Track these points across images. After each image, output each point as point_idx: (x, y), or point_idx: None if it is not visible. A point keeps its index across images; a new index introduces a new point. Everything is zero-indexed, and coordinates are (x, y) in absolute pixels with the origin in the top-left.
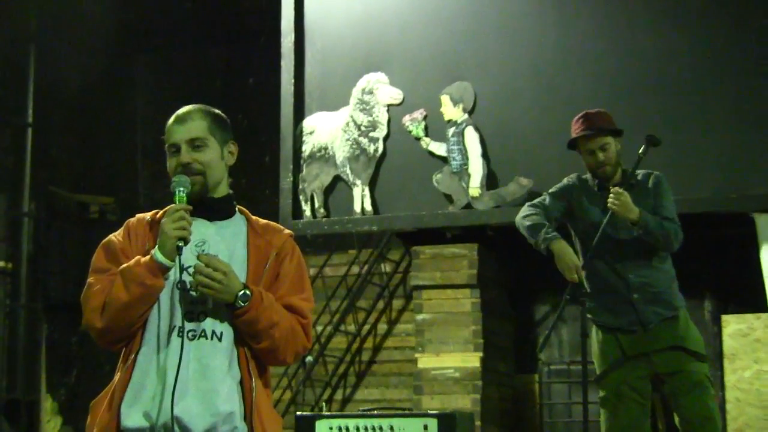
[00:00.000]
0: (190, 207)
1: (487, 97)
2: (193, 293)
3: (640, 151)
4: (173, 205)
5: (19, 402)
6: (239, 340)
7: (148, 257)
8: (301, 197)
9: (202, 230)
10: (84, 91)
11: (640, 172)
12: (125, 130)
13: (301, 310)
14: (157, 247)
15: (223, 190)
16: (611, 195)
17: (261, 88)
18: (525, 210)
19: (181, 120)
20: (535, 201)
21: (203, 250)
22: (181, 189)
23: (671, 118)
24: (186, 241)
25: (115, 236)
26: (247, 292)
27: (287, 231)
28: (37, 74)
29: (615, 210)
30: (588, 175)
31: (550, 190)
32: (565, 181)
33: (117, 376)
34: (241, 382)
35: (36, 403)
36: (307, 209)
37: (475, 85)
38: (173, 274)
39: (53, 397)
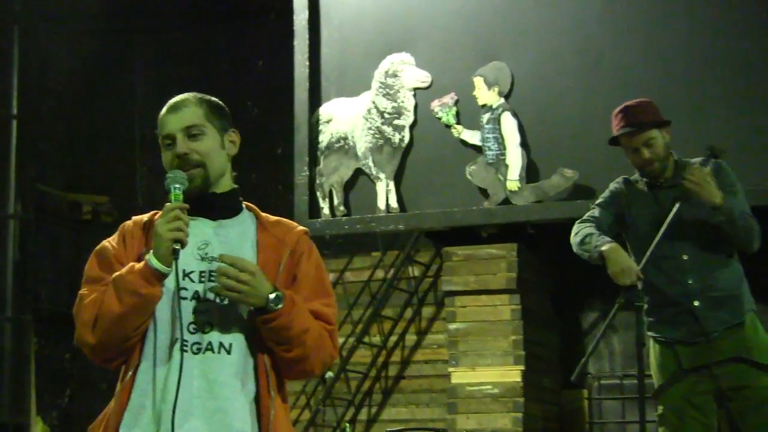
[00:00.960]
0: (187, 205)
1: (525, 79)
2: (194, 303)
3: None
4: (168, 204)
5: (6, 426)
6: (257, 351)
7: (142, 263)
8: (318, 193)
9: (203, 230)
10: (75, 77)
11: (695, 160)
12: (121, 121)
13: (326, 316)
14: (151, 251)
15: (226, 184)
16: (688, 173)
17: (272, 71)
18: (575, 228)
19: (174, 108)
20: (584, 216)
21: (206, 253)
22: (177, 186)
23: (734, 98)
24: (183, 244)
25: (109, 242)
26: (279, 294)
27: (301, 227)
28: (22, 59)
29: (693, 191)
30: (636, 176)
31: (597, 201)
32: (611, 186)
33: (115, 396)
34: (257, 400)
35: (25, 426)
36: (325, 207)
37: (512, 66)
38: (173, 281)
39: (44, 419)
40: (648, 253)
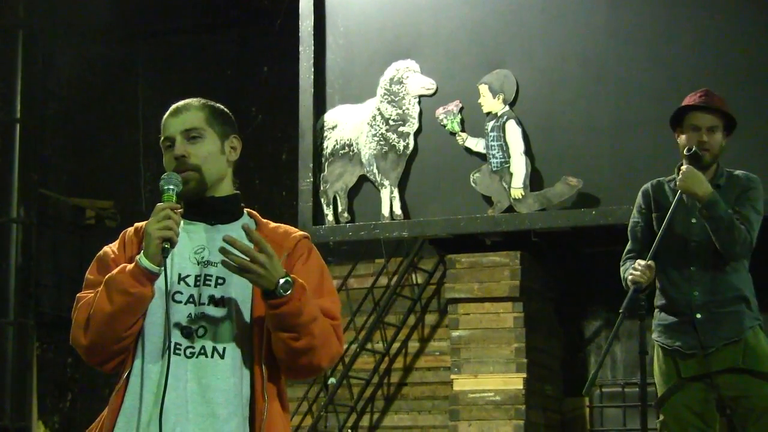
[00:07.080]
0: (178, 206)
1: (530, 87)
2: (189, 306)
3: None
4: (159, 204)
5: (8, 430)
6: (252, 356)
7: (132, 264)
8: (322, 200)
9: (201, 234)
10: (79, 82)
11: (738, 172)
12: (126, 126)
13: (330, 311)
14: (141, 251)
15: (226, 189)
16: (680, 171)
17: (277, 77)
18: (622, 273)
19: (176, 112)
20: (628, 247)
21: (202, 257)
22: (171, 187)
23: (739, 108)
24: (172, 243)
25: (110, 247)
26: (289, 279)
27: (301, 233)
28: (26, 63)
29: (681, 184)
30: (672, 176)
31: (633, 214)
32: (641, 189)
33: (110, 400)
34: (252, 405)
35: (26, 430)
36: (329, 213)
37: (517, 74)
38: (167, 284)
39: (46, 424)
40: (655, 245)
